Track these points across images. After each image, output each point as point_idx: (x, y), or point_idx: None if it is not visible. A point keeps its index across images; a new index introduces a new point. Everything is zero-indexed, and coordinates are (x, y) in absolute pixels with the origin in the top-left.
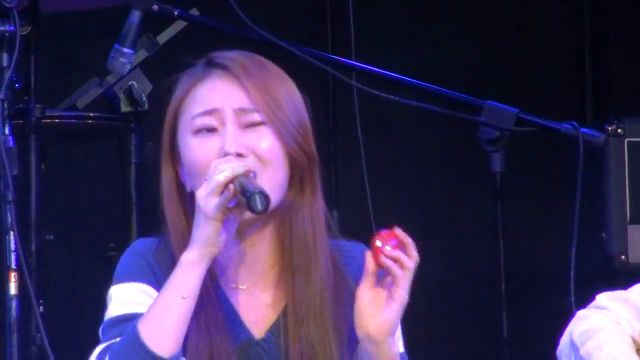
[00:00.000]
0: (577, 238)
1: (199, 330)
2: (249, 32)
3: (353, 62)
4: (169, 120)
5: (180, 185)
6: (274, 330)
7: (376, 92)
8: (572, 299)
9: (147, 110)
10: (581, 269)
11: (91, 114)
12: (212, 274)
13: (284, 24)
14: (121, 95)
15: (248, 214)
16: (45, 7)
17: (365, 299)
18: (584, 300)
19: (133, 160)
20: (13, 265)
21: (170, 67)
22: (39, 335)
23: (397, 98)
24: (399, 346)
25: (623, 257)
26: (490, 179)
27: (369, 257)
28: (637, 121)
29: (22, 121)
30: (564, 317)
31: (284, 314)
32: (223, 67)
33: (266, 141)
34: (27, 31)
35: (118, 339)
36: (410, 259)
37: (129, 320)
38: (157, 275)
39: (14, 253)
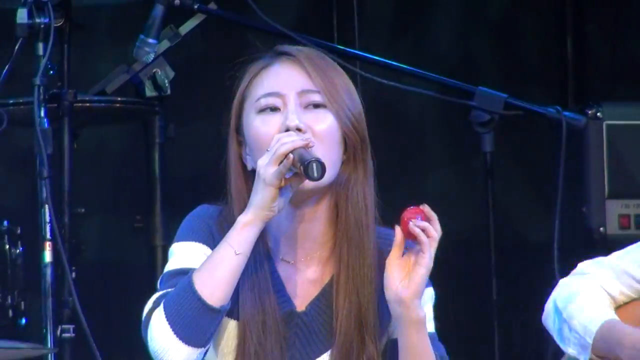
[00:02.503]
0: (560, 212)
1: (253, 298)
2: (263, 24)
3: (357, 52)
4: (236, 104)
5: (243, 164)
6: (315, 304)
7: (378, 79)
8: (556, 266)
9: (170, 95)
10: (564, 239)
11: (119, 99)
12: (266, 247)
13: (294, 17)
14: (146, 82)
15: (306, 184)
16: (77, 0)
17: (394, 266)
18: (567, 267)
19: (157, 141)
20: (48, 236)
21: (191, 56)
22: (71, 299)
23: (397, 84)
24: (431, 326)
25: (602, 229)
26: (482, 157)
27: (398, 229)
28: (615, 106)
29: (56, 105)
30: (548, 283)
31: (326, 288)
32: (288, 55)
33: (324, 121)
34: (60, 23)
35: (173, 289)
36: (436, 231)
37: (185, 273)
38: (215, 238)
39: (49, 225)
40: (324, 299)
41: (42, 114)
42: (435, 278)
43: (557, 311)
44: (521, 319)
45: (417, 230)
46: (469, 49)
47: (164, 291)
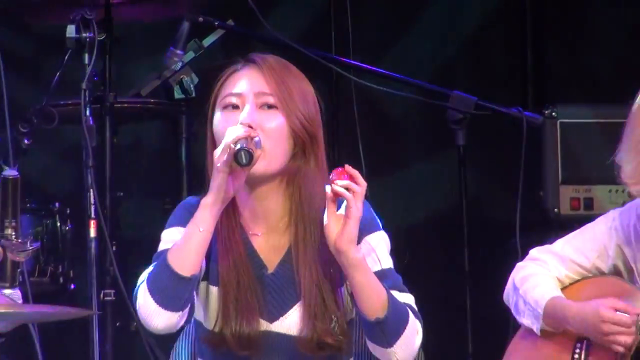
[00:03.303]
0: (521, 195)
1: (229, 266)
2: (272, 37)
3: (351, 61)
4: (211, 102)
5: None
6: (281, 265)
7: (369, 84)
8: (517, 241)
9: (194, 97)
10: (524, 219)
11: (152, 100)
12: (237, 224)
13: (298, 32)
14: (174, 86)
15: (255, 170)
16: (116, 18)
17: (330, 221)
18: (526, 242)
19: (183, 136)
20: (92, 215)
21: (212, 64)
22: (112, 268)
23: (385, 89)
24: (380, 258)
25: (556, 210)
26: (456, 150)
27: (327, 189)
28: (567, 107)
29: (99, 105)
30: (511, 255)
31: (288, 253)
32: (254, 62)
33: (274, 120)
34: (102, 37)
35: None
36: (358, 185)
37: (165, 252)
38: None
39: (93, 206)
40: (289, 261)
41: (88, 113)
42: (416, 251)
43: (515, 289)
44: (489, 286)
45: (341, 190)
46: (445, 59)
47: (151, 268)
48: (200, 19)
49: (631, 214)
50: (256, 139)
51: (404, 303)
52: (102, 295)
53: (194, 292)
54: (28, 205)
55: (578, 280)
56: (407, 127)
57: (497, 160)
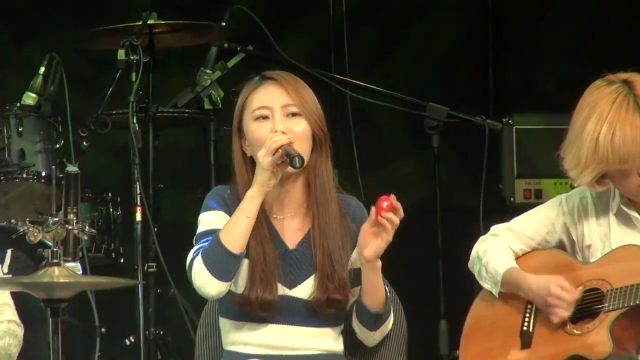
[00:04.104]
0: (484, 187)
1: (257, 243)
2: (283, 60)
3: (347, 79)
4: (237, 113)
5: (244, 152)
6: (302, 244)
7: (361, 97)
8: (481, 224)
9: (221, 108)
10: (486, 206)
11: (186, 110)
12: (263, 209)
13: (304, 55)
14: (205, 99)
15: (289, 169)
16: (158, 44)
17: (367, 233)
18: (488, 225)
19: (212, 139)
20: (138, 203)
21: (235, 81)
22: (153, 245)
23: (374, 101)
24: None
25: (512, 199)
26: (431, 150)
27: (373, 210)
28: (521, 116)
29: (143, 114)
30: (476, 235)
31: (308, 233)
32: (273, 79)
33: (300, 125)
34: (147, 59)
35: (206, 244)
36: (397, 219)
37: (212, 232)
38: (229, 206)
39: (139, 195)
40: (307, 240)
41: (134, 120)
42: (399, 233)
43: (478, 258)
44: (457, 259)
45: (384, 221)
46: (422, 77)
47: (199, 246)
48: (226, 45)
49: (575, 198)
50: (293, 144)
51: (387, 296)
52: (145, 268)
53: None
54: (86, 195)
55: (529, 252)
56: (392, 132)
57: (464, 159)
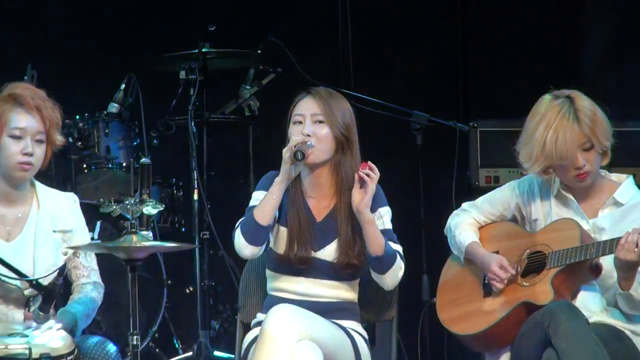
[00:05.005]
0: (455, 174)
1: (294, 214)
2: (303, 78)
3: (352, 92)
4: (288, 117)
5: None
6: (327, 218)
7: (364, 106)
8: (453, 202)
9: (257, 115)
10: (458, 189)
11: (231, 117)
12: (299, 190)
13: (319, 72)
14: (245, 107)
15: (309, 161)
16: (210, 66)
17: (356, 193)
18: (459, 203)
19: (251, 138)
20: (195, 186)
21: (268, 94)
22: (207, 218)
23: (373, 109)
24: (385, 222)
25: (477, 183)
26: (416, 147)
27: (356, 174)
28: (484, 120)
29: (199, 119)
30: (450, 210)
31: (333, 210)
32: (310, 93)
33: (322, 130)
34: (201, 78)
35: (244, 218)
36: (375, 175)
37: (253, 207)
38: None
39: (196, 180)
40: (331, 215)
41: (192, 124)
42: (392, 209)
43: (450, 230)
44: (436, 229)
45: (364, 175)
46: (408, 89)
47: (243, 218)
48: (261, 67)
49: (525, 183)
50: (308, 142)
51: (395, 250)
52: (201, 235)
53: (270, 233)
54: (156, 180)
55: (490, 223)
56: (385, 133)
57: (441, 153)
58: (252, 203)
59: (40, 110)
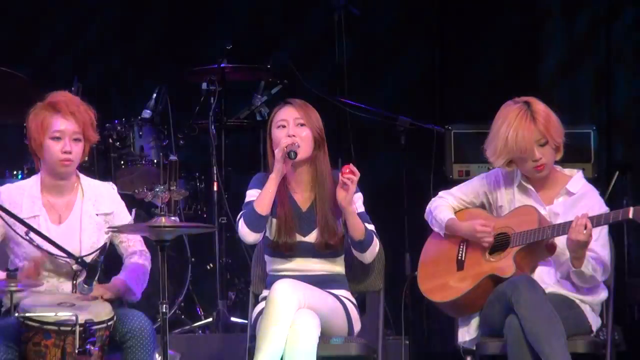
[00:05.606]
0: (433, 169)
1: (281, 207)
2: (305, 88)
3: (345, 99)
4: (269, 124)
5: (272, 150)
6: (309, 208)
7: (356, 112)
8: (431, 191)
9: (267, 120)
10: (435, 180)
11: (245, 121)
12: (285, 186)
13: (319, 82)
14: (257, 113)
15: (295, 160)
16: (227, 78)
17: (339, 191)
18: (436, 192)
19: (262, 140)
20: (215, 179)
21: (276, 103)
22: (225, 206)
23: (364, 114)
24: (358, 207)
25: (451, 176)
26: (401, 145)
27: (340, 175)
28: (457, 124)
29: (218, 123)
30: (428, 199)
31: (315, 201)
32: (289, 103)
33: (304, 132)
34: (220, 89)
35: (246, 210)
36: (355, 177)
37: (250, 203)
38: (264, 185)
39: (215, 174)
40: (313, 206)
41: (212, 127)
42: (378, 201)
43: (430, 212)
44: (417, 213)
45: (346, 180)
46: (393, 97)
47: (243, 210)
48: (270, 79)
49: (492, 175)
50: (296, 144)
51: (371, 230)
52: (219, 220)
53: (266, 223)
54: (182, 174)
55: (462, 209)
56: (373, 134)
57: (421, 151)
58: (247, 199)
59: (75, 114)
